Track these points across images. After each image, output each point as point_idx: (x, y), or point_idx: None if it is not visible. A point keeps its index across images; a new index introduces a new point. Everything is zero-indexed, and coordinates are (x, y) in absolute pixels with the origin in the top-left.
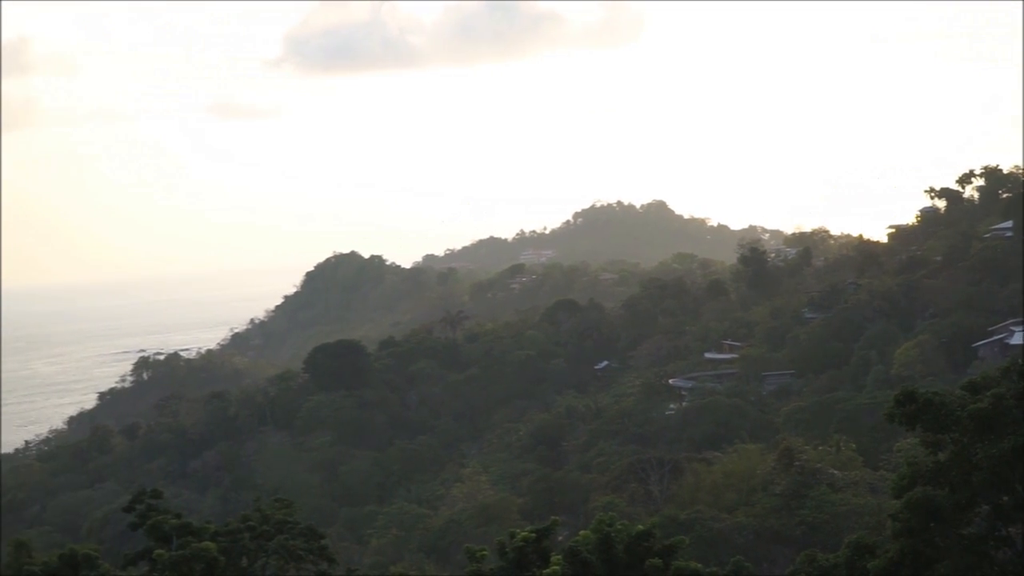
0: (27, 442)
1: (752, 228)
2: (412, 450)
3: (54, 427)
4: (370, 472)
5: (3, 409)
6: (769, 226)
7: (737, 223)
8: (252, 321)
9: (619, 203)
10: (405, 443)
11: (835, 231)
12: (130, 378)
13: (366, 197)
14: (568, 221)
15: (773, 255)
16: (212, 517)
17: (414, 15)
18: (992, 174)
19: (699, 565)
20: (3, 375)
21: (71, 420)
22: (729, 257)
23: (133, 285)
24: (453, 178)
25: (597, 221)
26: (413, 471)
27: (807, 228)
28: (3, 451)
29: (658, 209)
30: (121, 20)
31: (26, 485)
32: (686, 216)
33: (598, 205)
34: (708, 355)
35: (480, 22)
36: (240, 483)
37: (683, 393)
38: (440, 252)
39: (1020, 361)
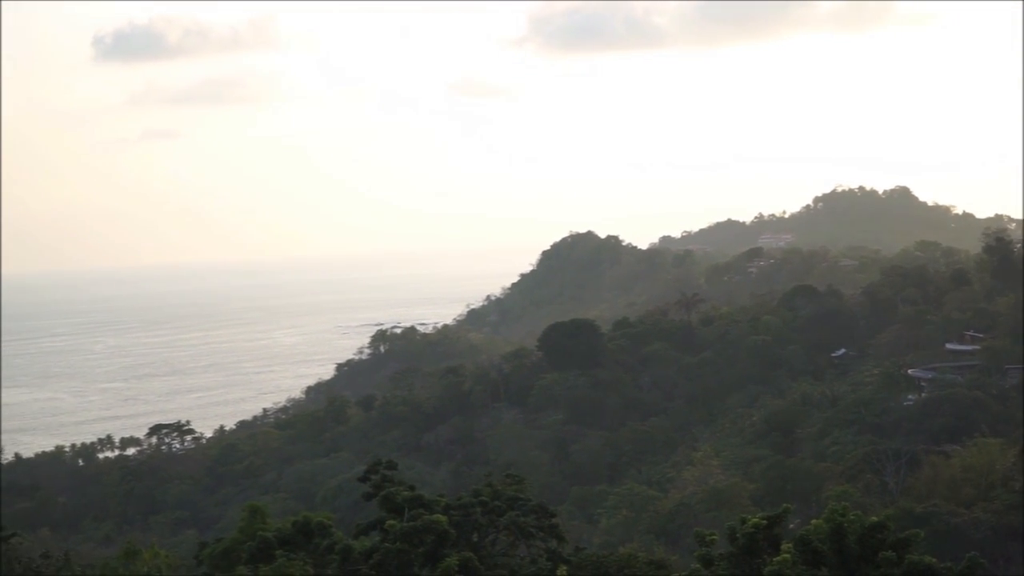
0: (265, 410)
1: (998, 217)
2: (644, 431)
3: (292, 396)
4: (601, 452)
5: (243, 377)
6: (1016, 215)
7: (983, 211)
8: (488, 298)
9: (861, 188)
10: (637, 424)
11: None
12: (367, 350)
13: (605, 177)
14: (808, 205)
15: (1020, 244)
16: (444, 490)
17: None
18: None
19: (933, 560)
20: (243, 344)
21: (309, 390)
22: (974, 246)
23: (371, 260)
24: (693, 160)
25: (838, 206)
26: (644, 452)
27: None
28: (241, 418)
29: (901, 195)
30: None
31: (263, 452)
32: (930, 203)
33: (839, 190)
34: (949, 346)
35: (726, 3)
36: (472, 458)
37: (922, 384)
38: (677, 234)
39: None
